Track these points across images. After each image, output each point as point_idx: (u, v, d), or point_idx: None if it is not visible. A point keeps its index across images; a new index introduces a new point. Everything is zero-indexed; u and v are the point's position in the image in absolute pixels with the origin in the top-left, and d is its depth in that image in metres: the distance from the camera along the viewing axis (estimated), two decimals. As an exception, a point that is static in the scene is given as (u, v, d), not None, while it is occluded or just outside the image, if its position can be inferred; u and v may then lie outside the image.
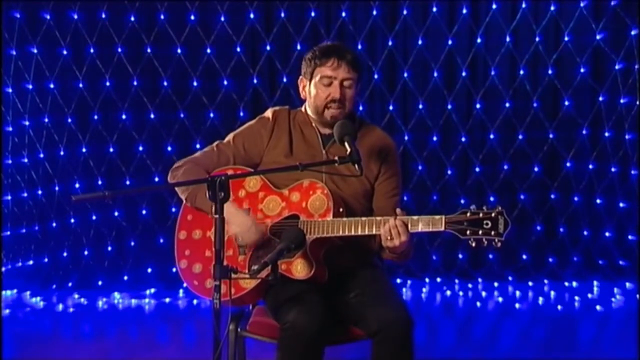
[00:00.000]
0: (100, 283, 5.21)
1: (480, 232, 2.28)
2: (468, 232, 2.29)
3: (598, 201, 5.38)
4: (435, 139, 5.38)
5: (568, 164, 5.37)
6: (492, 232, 2.28)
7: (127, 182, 5.34)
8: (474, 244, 2.29)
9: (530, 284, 5.23)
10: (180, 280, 2.64)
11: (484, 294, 5.07)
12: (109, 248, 5.38)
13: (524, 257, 5.40)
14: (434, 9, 5.29)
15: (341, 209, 2.47)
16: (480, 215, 2.29)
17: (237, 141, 2.68)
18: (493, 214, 2.28)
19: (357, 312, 2.43)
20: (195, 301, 4.87)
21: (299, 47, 5.24)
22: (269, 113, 2.72)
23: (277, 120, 2.68)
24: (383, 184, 2.65)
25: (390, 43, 5.32)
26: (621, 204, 5.33)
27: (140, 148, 5.34)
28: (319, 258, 2.46)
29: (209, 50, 5.29)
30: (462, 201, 5.35)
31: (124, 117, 5.33)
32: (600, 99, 5.31)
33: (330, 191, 2.47)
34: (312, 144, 2.65)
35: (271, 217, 2.53)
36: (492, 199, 5.37)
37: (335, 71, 2.55)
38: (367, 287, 2.48)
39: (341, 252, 2.53)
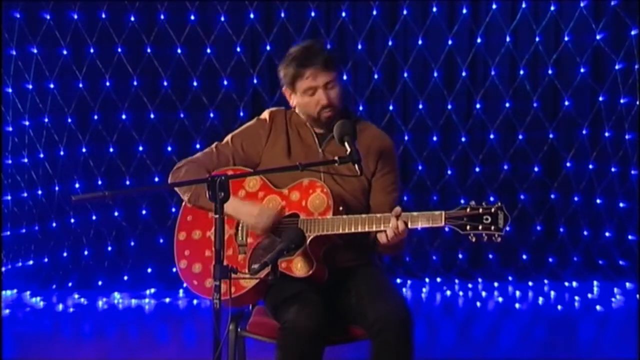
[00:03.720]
0: (100, 283, 5.22)
1: (480, 227, 2.29)
2: (468, 227, 2.30)
3: (598, 201, 5.38)
4: (435, 139, 5.39)
5: (568, 164, 5.37)
6: (492, 227, 2.28)
7: (127, 182, 5.34)
8: (473, 239, 2.30)
9: (530, 284, 5.23)
10: (180, 280, 2.65)
11: (484, 294, 5.06)
12: (109, 248, 5.38)
13: (524, 257, 5.40)
14: (434, 9, 5.29)
15: (341, 208, 2.47)
16: (480, 210, 2.29)
17: (235, 142, 2.68)
18: (493, 209, 2.29)
19: (355, 309, 2.43)
20: (195, 301, 4.87)
21: (298, 47, 5.24)
22: (265, 114, 2.73)
23: (274, 120, 2.69)
24: (380, 180, 2.65)
25: (390, 43, 5.32)
26: (621, 204, 5.34)
27: (140, 148, 5.35)
28: (319, 257, 2.46)
29: (209, 50, 5.29)
30: (462, 201, 5.30)
31: (124, 117, 5.33)
32: (600, 99, 5.31)
33: (330, 190, 2.48)
34: (308, 144, 2.65)
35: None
36: (492, 199, 5.36)
37: (315, 80, 2.54)
38: (365, 284, 2.49)
39: (341, 252, 2.53)
